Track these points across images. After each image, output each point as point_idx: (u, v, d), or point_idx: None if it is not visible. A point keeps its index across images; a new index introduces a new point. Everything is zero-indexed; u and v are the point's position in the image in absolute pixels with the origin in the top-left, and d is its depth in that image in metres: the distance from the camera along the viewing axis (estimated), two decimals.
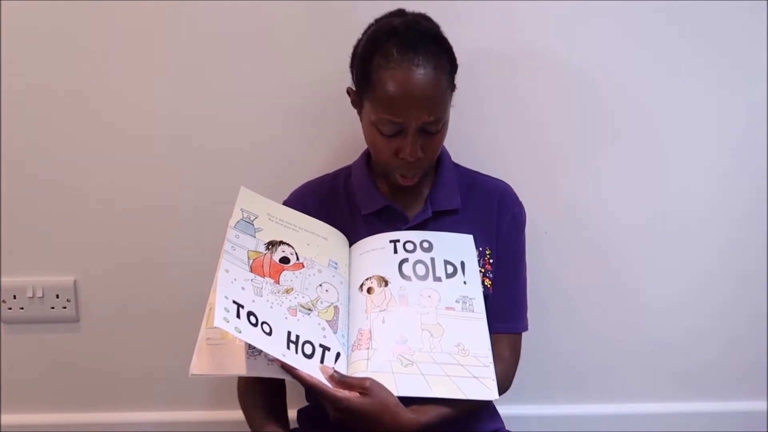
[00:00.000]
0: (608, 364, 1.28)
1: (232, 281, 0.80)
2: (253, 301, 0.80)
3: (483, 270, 0.96)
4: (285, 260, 0.87)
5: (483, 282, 0.93)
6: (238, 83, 1.14)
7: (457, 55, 0.94)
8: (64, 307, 1.21)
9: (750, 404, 1.30)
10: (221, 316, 0.74)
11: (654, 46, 1.15)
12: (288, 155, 1.17)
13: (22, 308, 1.21)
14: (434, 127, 0.89)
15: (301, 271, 0.87)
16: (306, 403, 1.03)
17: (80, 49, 1.12)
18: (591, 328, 1.26)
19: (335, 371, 0.80)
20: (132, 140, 1.16)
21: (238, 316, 0.76)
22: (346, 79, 0.98)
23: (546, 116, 1.18)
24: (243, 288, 0.80)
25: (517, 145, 1.19)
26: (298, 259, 0.88)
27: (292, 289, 0.85)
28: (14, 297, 1.20)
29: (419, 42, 0.87)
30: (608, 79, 1.16)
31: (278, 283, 0.84)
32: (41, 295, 1.20)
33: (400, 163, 0.91)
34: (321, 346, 0.82)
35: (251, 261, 0.84)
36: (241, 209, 0.88)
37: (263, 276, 0.84)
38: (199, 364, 0.79)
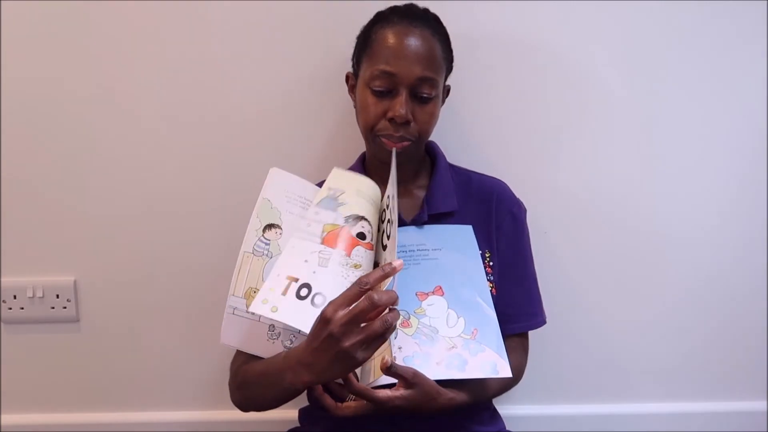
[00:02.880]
0: (608, 364, 1.28)
1: (295, 256, 0.79)
2: (314, 272, 0.78)
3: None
4: (362, 236, 0.84)
5: None
6: (238, 85, 1.14)
7: (455, 51, 0.95)
8: (64, 307, 1.21)
9: (750, 404, 1.30)
10: (261, 298, 0.75)
11: (654, 45, 1.16)
12: (288, 156, 1.17)
13: (22, 308, 1.21)
14: (426, 90, 0.90)
15: (372, 251, 0.85)
16: (307, 403, 1.03)
17: (80, 49, 1.12)
18: (591, 328, 1.26)
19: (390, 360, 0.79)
20: (132, 140, 1.16)
21: (285, 294, 0.76)
22: (343, 80, 0.98)
23: (543, 114, 1.18)
24: (306, 260, 0.79)
25: (515, 143, 1.19)
26: (372, 239, 0.86)
27: (360, 266, 0.82)
28: (14, 297, 1.20)
29: (419, 14, 0.94)
30: (608, 78, 1.17)
31: (349, 257, 0.82)
32: (41, 295, 1.20)
33: (386, 125, 0.91)
34: None
35: (325, 233, 0.82)
36: (329, 188, 0.87)
37: (334, 247, 0.82)
38: (228, 336, 0.83)
